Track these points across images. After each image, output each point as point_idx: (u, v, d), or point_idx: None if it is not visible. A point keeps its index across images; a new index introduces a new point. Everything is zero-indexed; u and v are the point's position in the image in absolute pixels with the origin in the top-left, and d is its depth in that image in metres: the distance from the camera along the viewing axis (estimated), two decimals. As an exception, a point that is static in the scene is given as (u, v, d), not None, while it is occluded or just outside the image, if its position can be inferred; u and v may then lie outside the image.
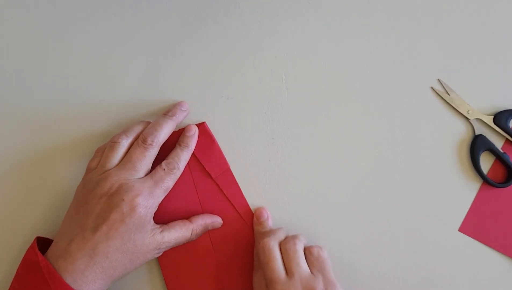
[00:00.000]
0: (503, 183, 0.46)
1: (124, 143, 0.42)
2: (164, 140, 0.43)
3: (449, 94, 0.48)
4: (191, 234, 0.43)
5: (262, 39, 0.49)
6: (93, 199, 0.40)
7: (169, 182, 0.42)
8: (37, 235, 0.43)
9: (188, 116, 0.47)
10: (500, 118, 0.47)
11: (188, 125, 0.46)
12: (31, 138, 0.47)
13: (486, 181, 0.46)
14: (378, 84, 0.48)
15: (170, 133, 0.44)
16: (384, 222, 0.46)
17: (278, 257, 0.41)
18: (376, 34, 0.49)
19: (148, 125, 0.44)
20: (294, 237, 0.43)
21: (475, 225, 0.46)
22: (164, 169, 0.42)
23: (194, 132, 0.46)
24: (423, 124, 0.48)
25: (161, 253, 0.42)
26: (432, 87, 0.48)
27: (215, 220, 0.45)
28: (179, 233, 0.42)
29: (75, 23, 0.49)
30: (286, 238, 0.43)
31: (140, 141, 0.42)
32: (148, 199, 0.40)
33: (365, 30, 0.49)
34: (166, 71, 0.48)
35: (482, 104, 0.48)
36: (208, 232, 0.46)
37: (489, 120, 0.47)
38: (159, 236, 0.41)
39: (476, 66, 0.49)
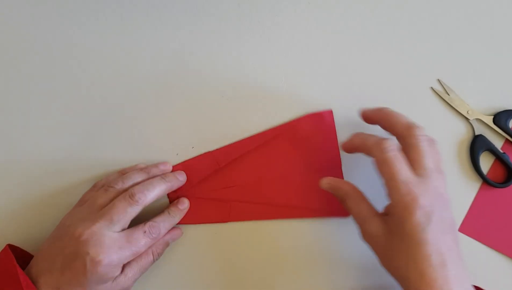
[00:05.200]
0: (503, 183, 0.46)
1: (119, 190, 0.42)
2: (151, 202, 0.42)
3: (448, 94, 0.48)
4: (153, 256, 0.42)
5: (262, 39, 0.49)
6: (66, 238, 0.39)
7: (144, 247, 0.40)
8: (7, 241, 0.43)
9: (197, 116, 0.47)
10: (500, 118, 0.47)
11: (182, 199, 0.45)
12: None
13: (486, 181, 0.46)
14: (378, 84, 0.48)
15: (160, 196, 0.43)
16: (384, 222, 0.47)
17: (402, 158, 0.38)
18: (376, 34, 0.49)
19: (142, 182, 0.43)
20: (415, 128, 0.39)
21: (475, 225, 0.46)
22: (145, 232, 0.41)
23: (186, 206, 0.45)
24: (423, 124, 0.47)
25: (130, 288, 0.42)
26: (432, 87, 0.48)
27: (175, 233, 0.45)
28: (139, 263, 0.41)
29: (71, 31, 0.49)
30: (408, 128, 0.39)
31: (128, 195, 0.41)
32: (113, 259, 0.38)
33: (365, 31, 0.49)
34: (165, 71, 0.48)
35: (481, 104, 0.48)
36: None
37: (489, 120, 0.47)
38: (121, 277, 0.40)
39: (475, 66, 0.49)
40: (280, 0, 0.49)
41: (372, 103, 0.48)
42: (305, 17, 0.49)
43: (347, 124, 0.47)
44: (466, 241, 0.46)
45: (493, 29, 0.49)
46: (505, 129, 0.47)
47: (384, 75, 0.48)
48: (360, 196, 0.40)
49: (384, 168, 0.38)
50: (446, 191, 0.38)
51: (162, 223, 0.43)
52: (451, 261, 0.35)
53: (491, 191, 0.47)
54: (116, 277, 0.40)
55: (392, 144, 0.38)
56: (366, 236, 0.39)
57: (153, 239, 0.41)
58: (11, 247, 0.41)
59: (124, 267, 0.40)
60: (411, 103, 0.48)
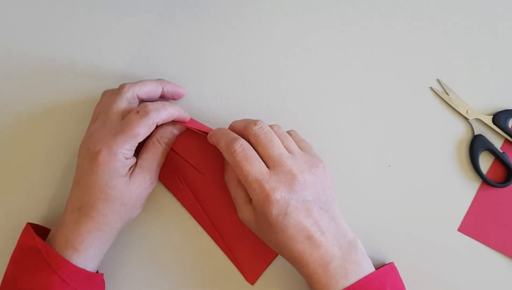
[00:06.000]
0: (502, 183, 0.46)
1: (127, 94, 0.41)
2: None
3: (448, 94, 0.48)
4: (160, 145, 0.42)
5: (262, 40, 0.49)
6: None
7: (139, 128, 0.39)
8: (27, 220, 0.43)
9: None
10: (499, 118, 0.47)
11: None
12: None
13: (485, 181, 0.46)
14: (377, 84, 0.48)
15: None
16: (383, 222, 0.46)
17: (253, 153, 0.39)
18: (376, 35, 0.49)
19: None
20: (253, 121, 0.40)
21: (475, 225, 0.46)
22: (138, 112, 0.39)
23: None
24: (422, 124, 0.48)
25: (154, 183, 0.42)
26: (431, 87, 0.48)
27: (180, 112, 0.43)
28: (149, 153, 0.41)
29: None
30: (245, 127, 0.40)
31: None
32: (110, 146, 0.38)
33: (365, 30, 0.49)
34: (165, 71, 0.48)
35: (481, 104, 0.48)
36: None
37: (488, 120, 0.47)
38: (136, 169, 0.40)
39: (475, 66, 0.49)
40: (280, 0, 0.49)
41: (371, 102, 0.48)
42: (305, 17, 0.49)
43: (345, 124, 0.48)
44: (466, 241, 0.46)
45: (493, 28, 0.49)
46: (504, 129, 0.47)
47: (384, 75, 0.48)
48: (237, 182, 0.41)
49: (237, 171, 0.39)
50: (304, 168, 0.39)
51: (159, 104, 0.41)
52: (317, 229, 0.38)
53: (491, 191, 0.47)
54: (132, 170, 0.40)
55: (241, 144, 0.39)
56: (241, 218, 0.41)
57: (146, 117, 0.39)
58: (31, 225, 0.42)
59: (137, 163, 0.41)
60: (410, 103, 0.48)
